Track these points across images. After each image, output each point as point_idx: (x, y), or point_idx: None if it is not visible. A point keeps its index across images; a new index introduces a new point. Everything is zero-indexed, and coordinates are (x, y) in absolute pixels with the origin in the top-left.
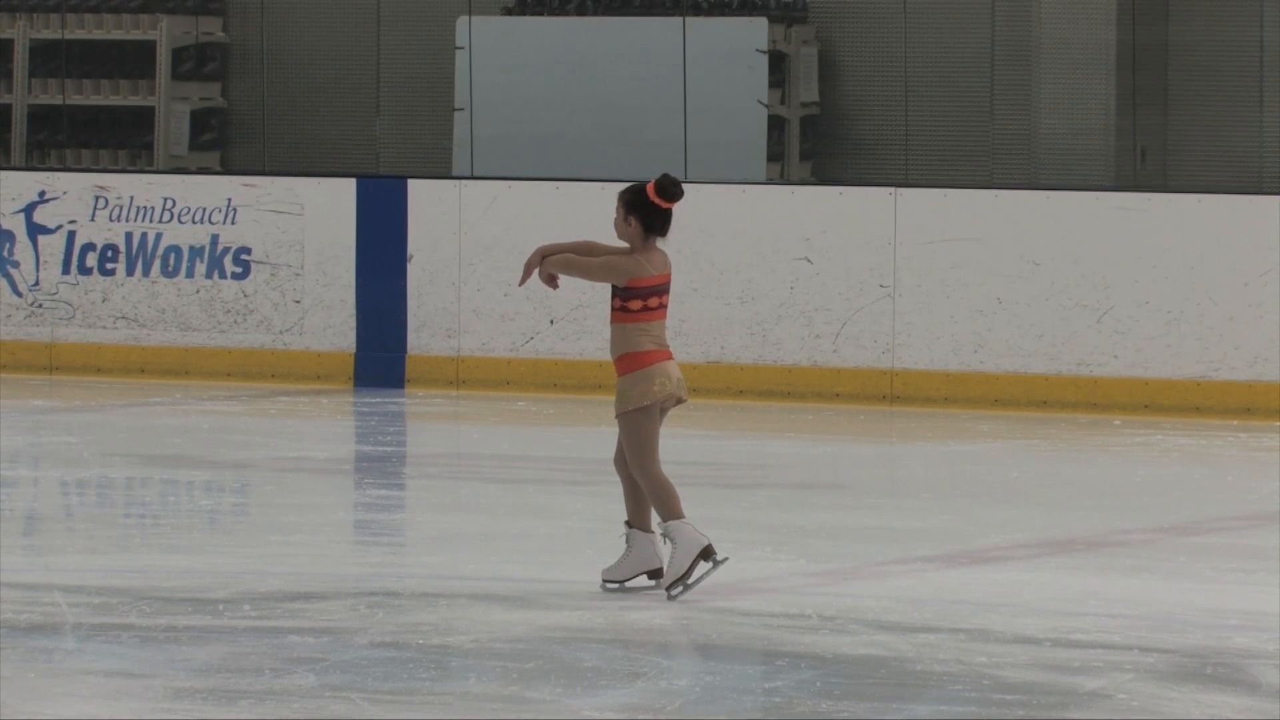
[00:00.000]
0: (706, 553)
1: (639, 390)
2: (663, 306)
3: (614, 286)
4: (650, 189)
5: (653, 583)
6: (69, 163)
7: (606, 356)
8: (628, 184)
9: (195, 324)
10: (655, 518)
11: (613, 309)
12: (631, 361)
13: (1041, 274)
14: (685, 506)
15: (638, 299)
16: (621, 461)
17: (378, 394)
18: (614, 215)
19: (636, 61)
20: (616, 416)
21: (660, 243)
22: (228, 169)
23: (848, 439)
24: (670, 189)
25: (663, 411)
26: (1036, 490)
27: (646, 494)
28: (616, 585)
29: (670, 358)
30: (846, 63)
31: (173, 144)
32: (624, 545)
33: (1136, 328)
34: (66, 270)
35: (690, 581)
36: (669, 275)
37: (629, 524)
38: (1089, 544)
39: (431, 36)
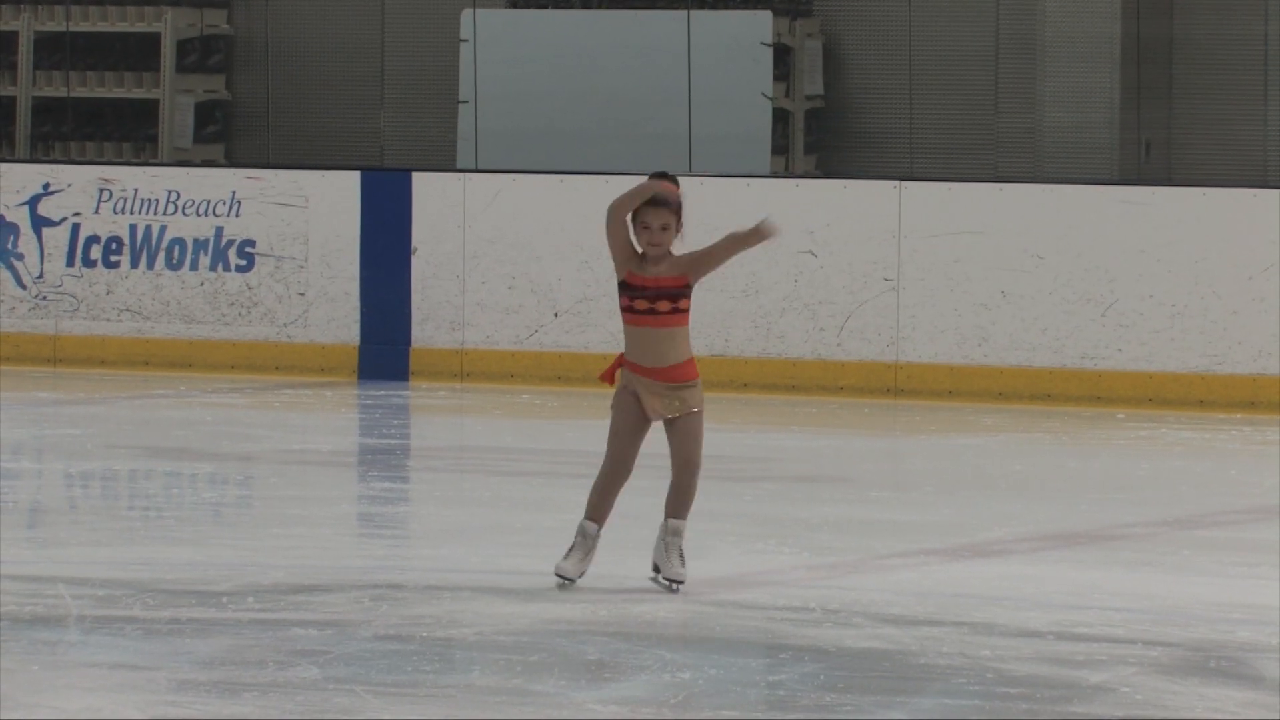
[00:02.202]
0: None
1: (701, 393)
2: (659, 316)
3: (675, 288)
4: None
5: (654, 576)
6: (73, 155)
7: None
8: (653, 187)
9: (199, 316)
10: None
11: (675, 310)
12: (693, 367)
13: (1045, 267)
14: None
15: (688, 299)
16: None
17: (382, 387)
18: (659, 223)
19: (641, 54)
20: (685, 416)
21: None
22: (232, 161)
23: (851, 432)
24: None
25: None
26: (1040, 483)
27: (689, 491)
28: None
29: (659, 378)
30: (851, 56)
31: (177, 136)
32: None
33: (1140, 321)
34: (70, 263)
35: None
36: (650, 281)
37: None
38: (1092, 537)
39: (436, 29)
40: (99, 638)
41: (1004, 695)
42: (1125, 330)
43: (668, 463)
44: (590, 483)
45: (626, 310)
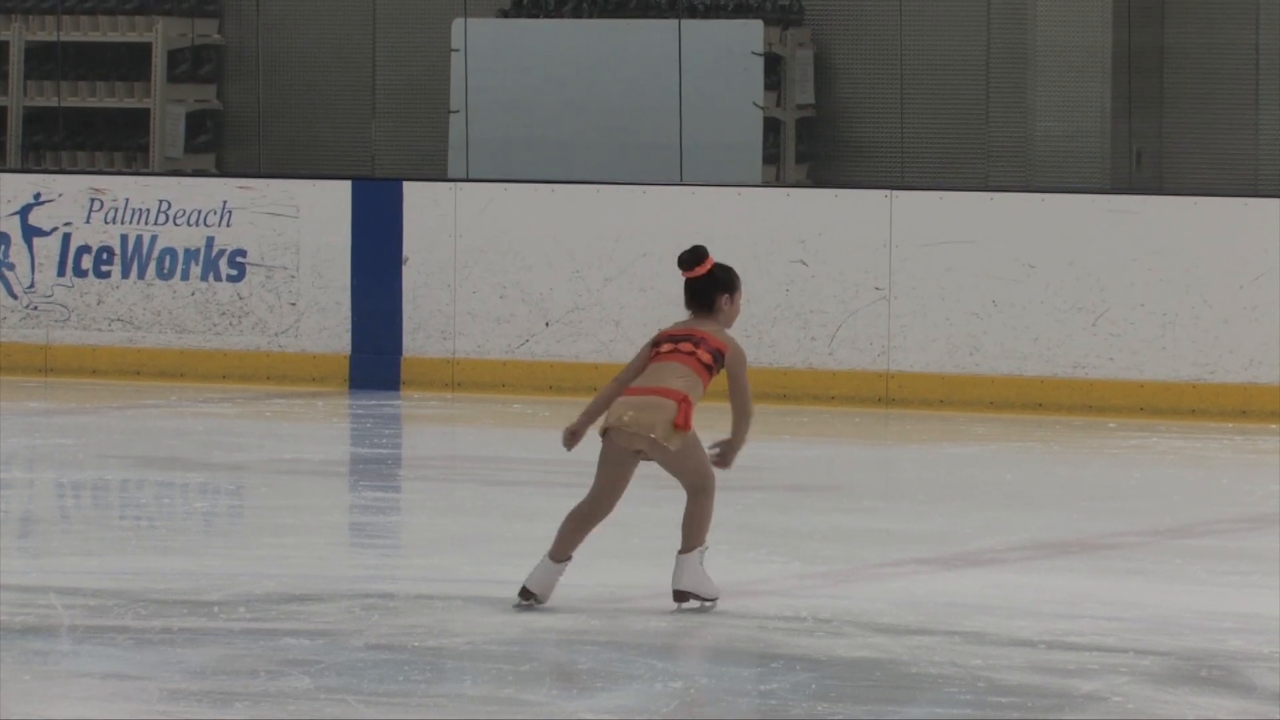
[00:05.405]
0: (523, 593)
1: None
2: (658, 356)
3: None
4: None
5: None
6: (64, 165)
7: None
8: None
9: (190, 326)
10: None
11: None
12: None
13: (1037, 276)
14: (675, 509)
15: (653, 348)
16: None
17: (373, 396)
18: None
19: (632, 64)
20: None
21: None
22: (223, 171)
23: (843, 441)
24: (679, 257)
25: (633, 451)
26: (1032, 492)
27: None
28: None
29: (635, 393)
30: (842, 65)
31: (168, 146)
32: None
33: (1132, 330)
34: (62, 272)
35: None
36: (681, 330)
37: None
38: (1084, 546)
39: (427, 39)
40: (91, 647)
41: (995, 704)
42: (1116, 339)
43: (659, 469)
44: (577, 491)
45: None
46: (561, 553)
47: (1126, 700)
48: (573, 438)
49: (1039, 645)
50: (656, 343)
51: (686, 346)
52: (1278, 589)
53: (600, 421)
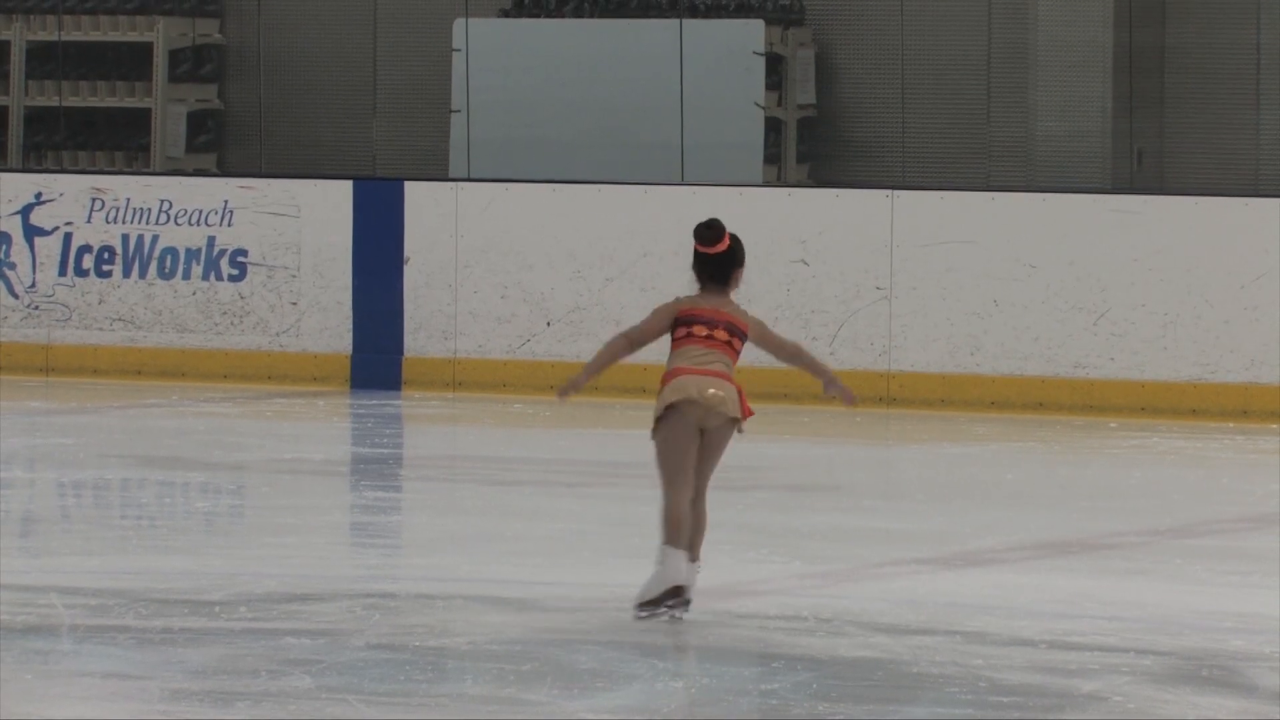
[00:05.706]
0: (673, 591)
1: (657, 405)
2: (692, 336)
3: None
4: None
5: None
6: (65, 164)
7: None
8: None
9: (192, 326)
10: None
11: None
12: (662, 381)
13: (1038, 276)
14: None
15: (682, 327)
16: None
17: (374, 396)
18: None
19: (633, 64)
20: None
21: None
22: (224, 171)
23: (844, 441)
24: (697, 231)
25: (703, 430)
26: (1032, 492)
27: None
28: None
29: (700, 374)
30: (843, 65)
31: (169, 146)
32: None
33: (1133, 330)
34: (63, 272)
35: (654, 611)
36: (708, 311)
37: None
38: (1085, 546)
39: (428, 39)
40: (92, 647)
41: (996, 704)
42: (1117, 339)
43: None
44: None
45: (685, 336)
46: (682, 541)
47: (1127, 700)
48: (571, 389)
49: (1040, 645)
50: (684, 320)
51: (721, 334)
52: (1278, 589)
53: (665, 396)
